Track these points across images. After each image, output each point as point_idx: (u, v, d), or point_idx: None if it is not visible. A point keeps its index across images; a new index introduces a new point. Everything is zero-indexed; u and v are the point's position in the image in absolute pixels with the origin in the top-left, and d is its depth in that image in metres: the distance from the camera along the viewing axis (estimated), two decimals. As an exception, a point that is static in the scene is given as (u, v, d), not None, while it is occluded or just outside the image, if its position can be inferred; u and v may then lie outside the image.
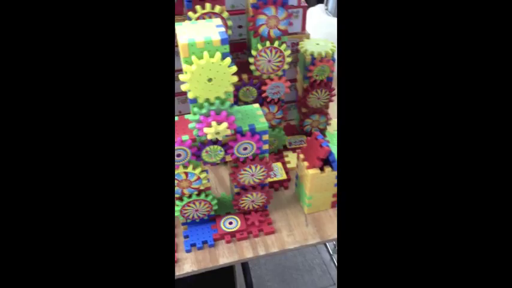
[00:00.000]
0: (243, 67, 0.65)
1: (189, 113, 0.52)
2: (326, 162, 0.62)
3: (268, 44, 0.61)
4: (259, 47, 0.61)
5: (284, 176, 0.72)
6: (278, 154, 0.77)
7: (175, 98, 0.74)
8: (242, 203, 0.64)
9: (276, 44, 0.62)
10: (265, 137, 0.57)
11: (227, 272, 0.92)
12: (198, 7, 0.56)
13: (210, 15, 0.57)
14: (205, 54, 0.46)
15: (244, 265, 1.02)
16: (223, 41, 0.46)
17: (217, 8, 0.57)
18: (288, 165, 0.74)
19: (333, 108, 0.78)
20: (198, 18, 0.57)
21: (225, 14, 0.59)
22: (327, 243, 1.37)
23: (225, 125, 0.51)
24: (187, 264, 0.59)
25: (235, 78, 0.49)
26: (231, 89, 0.49)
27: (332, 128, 0.83)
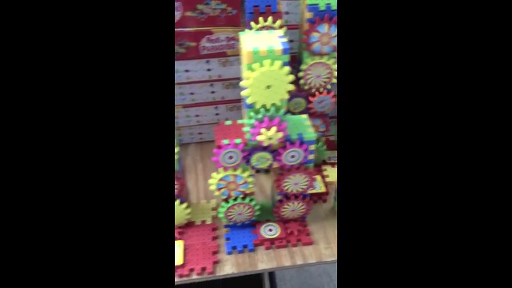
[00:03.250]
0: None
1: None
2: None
3: (317, 59, 0.64)
4: (309, 61, 0.64)
5: (323, 189, 0.73)
6: (317, 167, 0.78)
7: (224, 105, 0.78)
8: (283, 211, 0.65)
9: (325, 59, 0.64)
10: (312, 147, 0.58)
11: (256, 282, 0.92)
12: (260, 19, 0.61)
13: (270, 28, 0.61)
14: (267, 61, 0.48)
15: (272, 280, 1.02)
16: (284, 51, 0.48)
17: (277, 23, 0.61)
18: (327, 179, 0.75)
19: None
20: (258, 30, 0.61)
21: (283, 30, 0.62)
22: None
23: (280, 133, 0.53)
24: (227, 265, 0.60)
25: (292, 87, 0.51)
26: (287, 96, 0.52)
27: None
